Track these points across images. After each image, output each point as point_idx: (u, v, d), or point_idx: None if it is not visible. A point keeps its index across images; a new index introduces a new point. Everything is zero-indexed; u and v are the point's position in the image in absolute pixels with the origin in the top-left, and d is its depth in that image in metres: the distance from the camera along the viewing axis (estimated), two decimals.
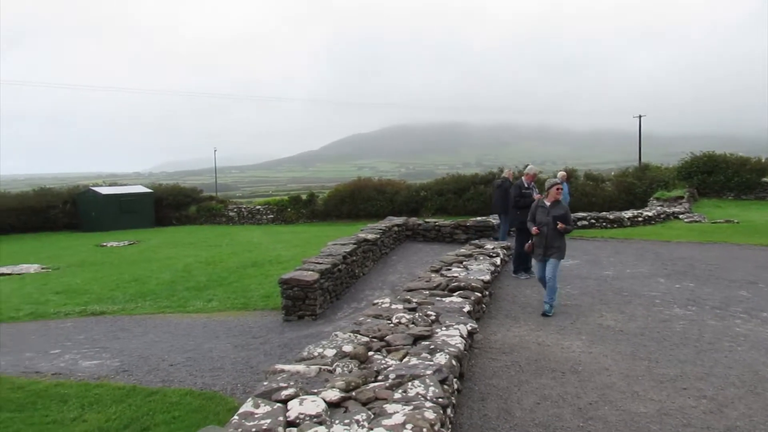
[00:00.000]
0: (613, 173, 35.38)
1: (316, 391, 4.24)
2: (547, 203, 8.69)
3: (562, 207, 8.68)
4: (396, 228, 15.95)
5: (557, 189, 8.66)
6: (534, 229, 8.66)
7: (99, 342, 9.46)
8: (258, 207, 36.22)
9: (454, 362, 5.11)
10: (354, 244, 12.51)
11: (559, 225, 8.38)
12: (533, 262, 9.23)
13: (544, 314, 8.40)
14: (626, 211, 20.49)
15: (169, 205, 36.28)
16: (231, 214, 35.85)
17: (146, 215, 34.65)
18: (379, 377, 4.64)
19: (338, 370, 4.84)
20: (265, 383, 4.48)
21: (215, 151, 46.59)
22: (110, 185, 39.84)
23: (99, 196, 33.78)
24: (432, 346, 5.34)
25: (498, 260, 10.98)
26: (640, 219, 19.04)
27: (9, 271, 17.21)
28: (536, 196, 10.55)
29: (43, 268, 17.81)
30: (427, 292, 8.02)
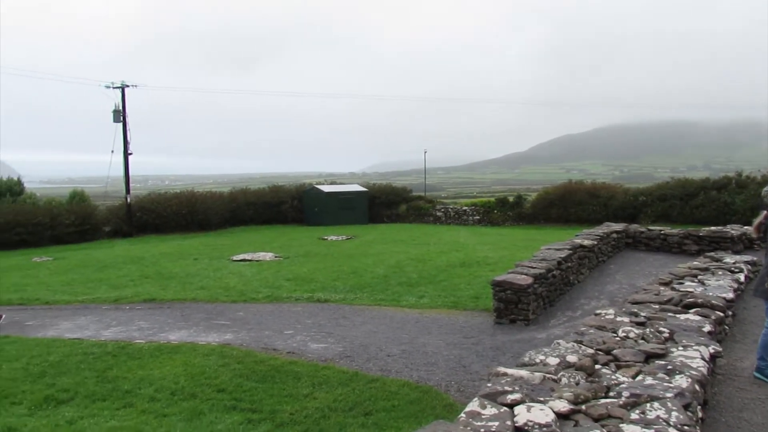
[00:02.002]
0: None
1: (542, 399, 4.10)
2: None
3: None
4: (615, 235, 14.91)
5: None
6: None
7: (324, 327, 10.31)
8: (465, 208, 36.60)
9: (696, 387, 4.59)
10: (569, 249, 11.97)
11: None
12: None
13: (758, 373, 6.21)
14: None
15: (382, 204, 38.34)
16: (438, 213, 36.74)
17: (361, 212, 37.06)
18: (610, 393, 4.34)
19: (563, 380, 4.64)
20: (489, 385, 4.44)
21: (425, 152, 48.14)
22: (330, 184, 43.36)
23: (322, 193, 36.97)
24: (669, 367, 4.85)
25: (741, 276, 9.65)
26: None
27: (250, 258, 19.62)
28: None
29: (276, 257, 19.99)
30: (657, 306, 7.33)
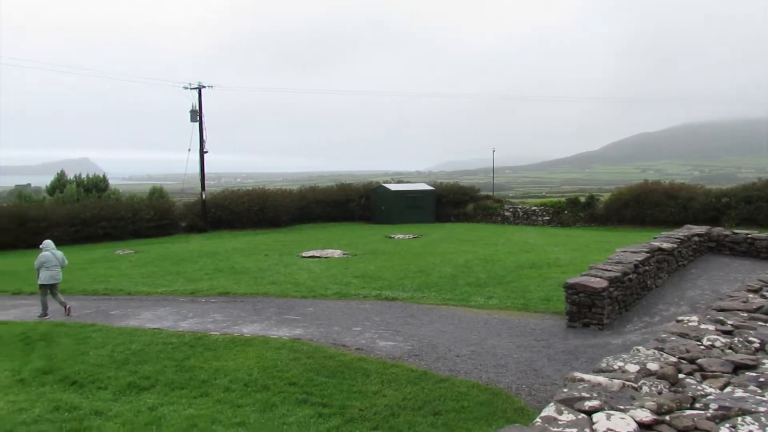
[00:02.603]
0: None
1: (622, 407, 3.94)
2: None
3: None
4: (696, 238, 14.21)
5: None
6: None
7: (392, 325, 10.34)
8: (534, 208, 35.84)
9: None
10: (647, 252, 11.49)
11: None
12: None
13: None
14: None
15: (449, 203, 38.12)
16: (506, 213, 36.16)
17: (428, 211, 36.97)
18: (696, 405, 4.11)
19: (644, 389, 4.44)
20: (565, 390, 4.32)
21: (494, 151, 47.42)
22: (397, 182, 43.48)
23: (389, 192, 37.14)
24: (761, 379, 4.56)
25: None
26: None
27: (318, 255, 19.96)
28: None
29: (344, 254, 20.24)
30: (745, 314, 6.91)
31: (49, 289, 12.17)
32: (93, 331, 10.10)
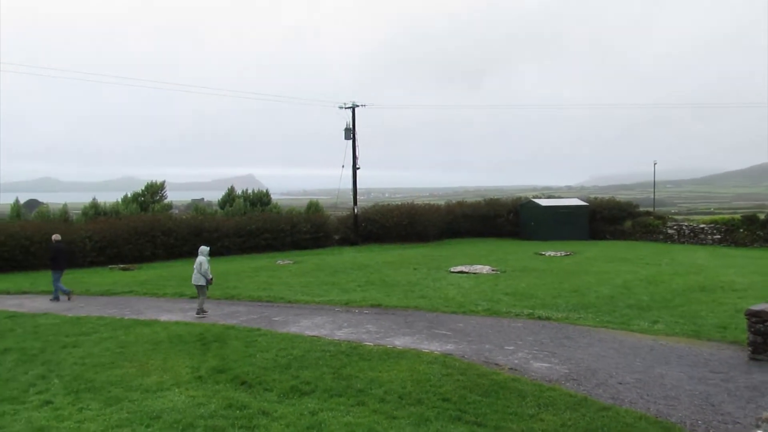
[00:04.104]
0: None
1: None
2: None
3: None
4: None
5: None
6: None
7: (546, 346, 9.94)
8: (702, 226, 32.72)
9: None
10: None
11: None
12: None
13: None
14: None
15: (604, 219, 36.10)
16: (670, 231, 33.39)
17: (581, 228, 35.29)
18: None
19: None
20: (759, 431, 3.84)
21: (655, 164, 44.18)
22: (547, 197, 42.06)
23: (539, 207, 36.03)
24: None
25: None
26: None
27: (467, 270, 19.82)
28: None
29: (493, 270, 19.91)
30: None
31: (197, 288, 13.55)
32: (259, 335, 10.86)
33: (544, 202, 37.40)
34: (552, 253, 25.82)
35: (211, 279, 13.73)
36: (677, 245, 31.21)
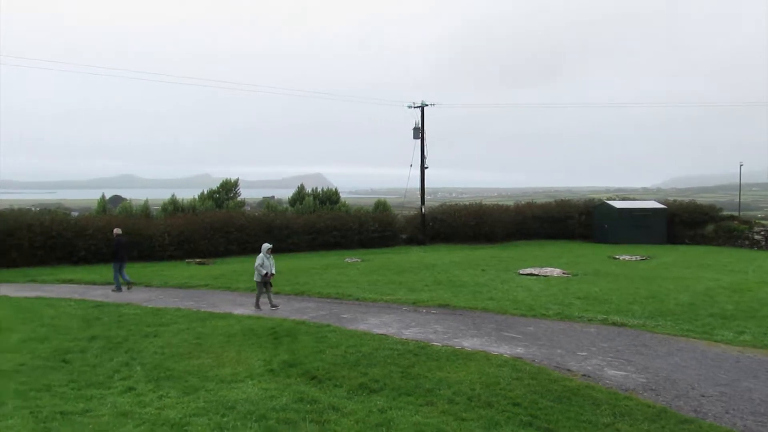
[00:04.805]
0: None
1: None
2: None
3: None
4: None
5: None
6: None
7: (622, 354, 9.58)
8: None
9: None
10: None
11: None
12: None
13: None
14: None
15: (683, 223, 34.45)
16: (756, 237, 31.45)
17: (658, 231, 33.83)
18: None
19: None
20: None
21: (741, 165, 41.71)
22: (621, 199, 40.55)
23: (613, 209, 34.80)
24: None
25: None
26: None
27: (537, 272, 19.40)
28: None
29: (564, 273, 19.39)
30: None
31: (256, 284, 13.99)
32: (328, 331, 11.02)
33: (618, 204, 36.08)
34: (627, 257, 24.87)
35: (268, 275, 13.82)
36: (765, 252, 29.39)
